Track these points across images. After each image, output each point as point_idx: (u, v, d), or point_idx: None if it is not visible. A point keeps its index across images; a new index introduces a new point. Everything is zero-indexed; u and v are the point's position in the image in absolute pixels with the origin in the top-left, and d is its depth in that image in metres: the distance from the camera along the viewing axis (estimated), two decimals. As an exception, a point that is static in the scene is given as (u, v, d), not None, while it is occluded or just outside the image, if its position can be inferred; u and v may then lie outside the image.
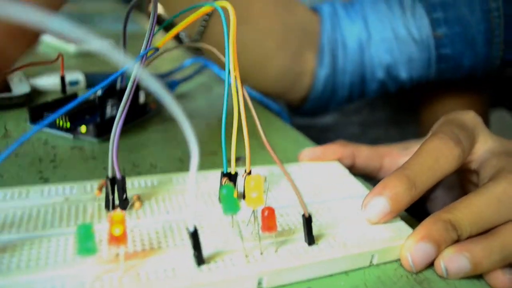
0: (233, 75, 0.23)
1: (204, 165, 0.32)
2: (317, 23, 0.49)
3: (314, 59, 0.49)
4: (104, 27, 0.86)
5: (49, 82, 0.43)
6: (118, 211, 0.22)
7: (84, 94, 0.20)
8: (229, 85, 0.23)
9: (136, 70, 0.14)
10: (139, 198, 0.22)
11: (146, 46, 0.20)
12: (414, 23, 0.47)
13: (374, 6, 0.48)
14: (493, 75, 0.51)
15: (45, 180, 0.28)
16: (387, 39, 0.48)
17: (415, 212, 0.31)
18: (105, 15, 0.80)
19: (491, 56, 0.46)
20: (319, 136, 0.64)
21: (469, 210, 0.23)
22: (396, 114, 0.66)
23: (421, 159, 0.25)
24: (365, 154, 0.33)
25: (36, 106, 0.35)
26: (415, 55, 0.47)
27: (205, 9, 0.25)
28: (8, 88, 0.40)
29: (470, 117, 0.29)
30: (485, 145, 0.28)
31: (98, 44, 0.13)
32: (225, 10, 0.24)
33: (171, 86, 0.46)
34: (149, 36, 0.21)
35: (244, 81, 0.48)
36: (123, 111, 0.20)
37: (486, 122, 0.64)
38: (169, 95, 0.14)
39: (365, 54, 0.49)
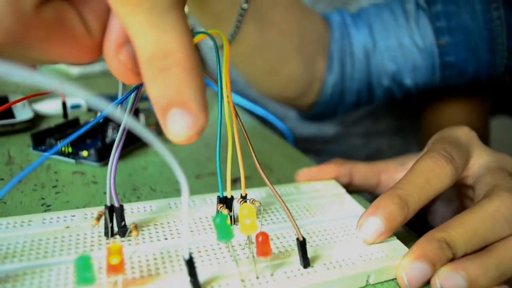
0: (226, 100, 0.23)
1: (203, 187, 0.33)
2: (327, 31, 0.50)
3: (324, 66, 0.50)
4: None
5: (51, 107, 0.44)
6: (117, 240, 0.23)
7: (86, 121, 0.21)
8: (223, 110, 0.24)
9: (126, 118, 0.14)
10: (136, 226, 0.22)
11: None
12: (418, 32, 0.47)
13: (379, 16, 0.49)
14: (498, 81, 0.51)
15: (47, 207, 0.29)
16: (392, 47, 0.49)
17: (417, 225, 0.31)
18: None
19: (495, 63, 0.47)
20: (322, 148, 0.64)
21: (463, 229, 0.24)
22: (398, 123, 0.67)
23: (412, 179, 0.26)
24: (362, 172, 0.33)
25: (39, 132, 0.36)
26: (420, 63, 0.48)
27: (199, 37, 0.26)
28: (11, 114, 0.41)
29: (464, 133, 0.29)
30: (480, 160, 0.28)
31: (81, 94, 0.13)
32: (218, 37, 0.24)
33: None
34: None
35: (259, 84, 0.49)
36: (119, 144, 0.21)
37: (487, 129, 0.64)
38: (156, 138, 0.15)
39: (371, 62, 0.50)
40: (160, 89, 0.16)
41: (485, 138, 0.66)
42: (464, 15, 0.46)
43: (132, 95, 0.21)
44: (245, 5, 0.41)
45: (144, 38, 0.16)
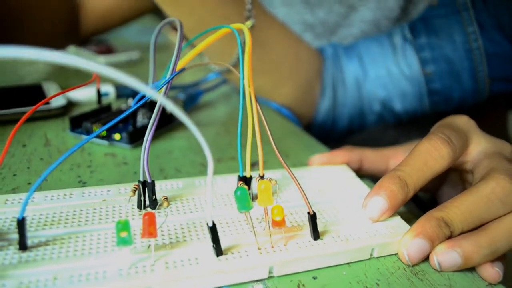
0: (247, 90, 0.26)
1: (224, 169, 0.36)
2: (321, 61, 0.55)
3: (318, 92, 0.55)
4: (130, 38, 0.90)
5: (82, 94, 0.47)
6: (149, 210, 0.26)
7: (118, 107, 0.23)
8: (244, 99, 0.26)
9: (160, 98, 0.17)
10: (166, 199, 0.25)
11: (172, 71, 0.24)
12: (404, 62, 0.53)
13: (368, 48, 0.55)
14: (485, 105, 0.56)
15: (83, 183, 0.32)
16: (381, 76, 0.54)
17: (428, 207, 0.34)
18: (131, 26, 0.85)
19: (478, 89, 0.52)
20: (339, 139, 0.67)
21: (460, 209, 0.26)
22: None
23: (411, 161, 0.28)
24: (371, 158, 0.36)
25: (76, 117, 0.39)
26: (408, 90, 0.53)
27: (223, 31, 0.29)
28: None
29: (464, 121, 0.31)
30: (479, 146, 0.30)
31: (123, 77, 0.16)
32: (241, 32, 0.27)
33: (197, 95, 0.50)
34: (175, 61, 0.24)
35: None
36: (153, 125, 0.23)
37: (505, 121, 0.67)
38: (187, 117, 0.17)
39: (362, 89, 0.55)
40: None
41: (503, 130, 0.68)
42: (446, 46, 0.51)
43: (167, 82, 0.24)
44: None
45: None
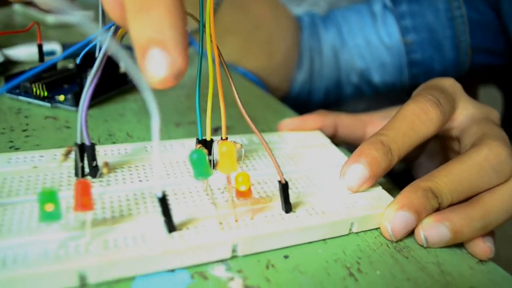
0: (208, 39, 0.22)
1: (182, 134, 0.32)
2: (298, 30, 0.52)
3: (295, 65, 0.52)
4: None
5: (24, 52, 0.41)
6: (86, 178, 0.22)
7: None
8: (203, 52, 0.22)
9: (107, 39, 0.13)
10: (107, 164, 0.21)
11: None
12: (384, 30, 0.50)
13: (345, 17, 0.52)
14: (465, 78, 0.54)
15: (15, 150, 0.27)
16: (359, 45, 0.51)
17: (402, 179, 0.31)
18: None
19: (460, 60, 0.50)
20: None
21: (450, 178, 0.23)
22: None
23: (396, 124, 0.25)
24: (347, 123, 0.32)
25: (13, 75, 0.34)
26: (387, 60, 0.51)
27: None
28: (-19, 58, 0.39)
29: (450, 83, 0.28)
30: (465, 111, 0.27)
31: (71, 15, 0.14)
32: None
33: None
34: None
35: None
36: (95, 74, 0.19)
37: (475, 96, 0.66)
38: (135, 65, 0.14)
39: (339, 59, 0.52)
40: (142, 27, 0.15)
41: None
42: (428, 14, 0.49)
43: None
44: None
45: None
